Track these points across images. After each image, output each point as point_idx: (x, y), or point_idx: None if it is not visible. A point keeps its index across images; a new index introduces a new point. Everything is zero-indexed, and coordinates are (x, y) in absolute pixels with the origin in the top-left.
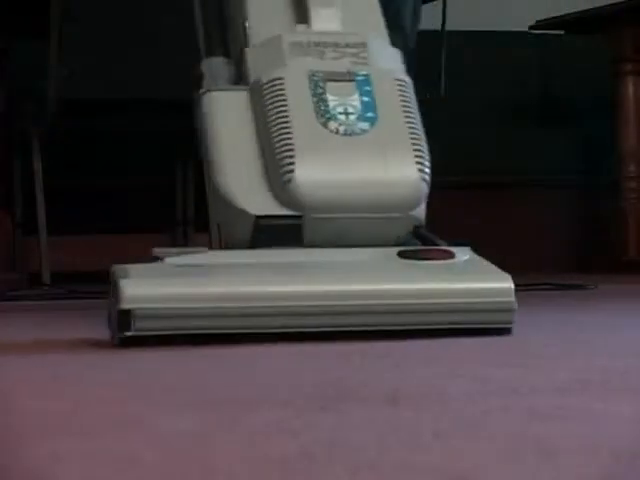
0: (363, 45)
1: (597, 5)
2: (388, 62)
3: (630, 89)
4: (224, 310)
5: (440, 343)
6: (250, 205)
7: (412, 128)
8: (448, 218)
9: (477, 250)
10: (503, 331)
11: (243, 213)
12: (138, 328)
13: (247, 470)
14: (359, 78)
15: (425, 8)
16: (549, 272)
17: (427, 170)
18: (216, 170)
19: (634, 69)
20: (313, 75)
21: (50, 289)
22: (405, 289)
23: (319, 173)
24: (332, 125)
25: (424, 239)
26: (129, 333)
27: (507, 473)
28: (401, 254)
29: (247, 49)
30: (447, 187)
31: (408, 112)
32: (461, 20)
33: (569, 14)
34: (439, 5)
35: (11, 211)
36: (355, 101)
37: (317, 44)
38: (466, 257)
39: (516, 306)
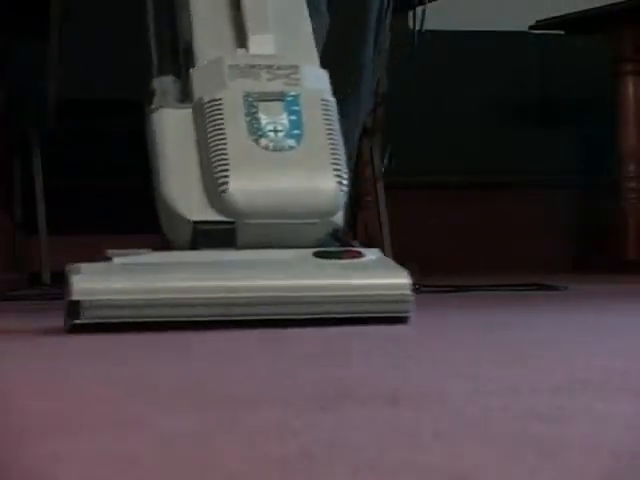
0: (295, 67)
1: (597, 5)
2: (317, 83)
3: (630, 89)
4: (157, 301)
5: (439, 343)
6: (189, 211)
7: (332, 145)
8: (448, 217)
9: (478, 249)
10: (401, 320)
11: (183, 219)
12: (85, 317)
13: (247, 470)
14: (289, 98)
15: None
16: (548, 272)
17: (344, 182)
18: (161, 181)
19: (634, 69)
20: (248, 96)
21: (50, 289)
22: (313, 284)
23: (250, 185)
24: (263, 142)
25: (342, 241)
26: (78, 321)
27: (507, 473)
28: (316, 254)
29: (192, 70)
30: (447, 187)
31: (330, 130)
32: (461, 20)
33: (569, 14)
34: (440, 6)
35: (11, 211)
36: (284, 119)
37: (253, 66)
38: (374, 257)
39: (412, 298)
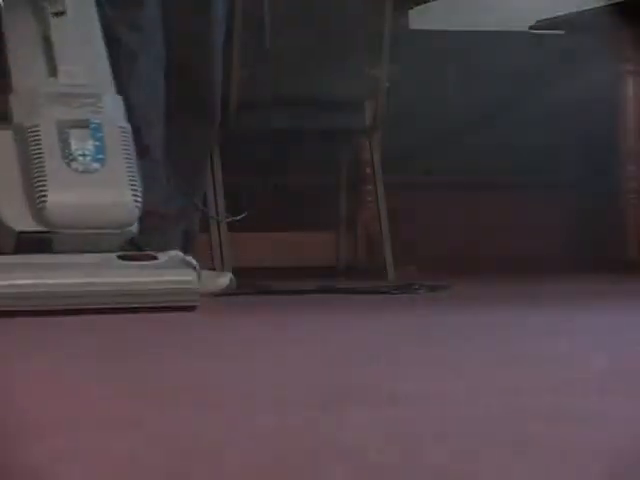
0: (98, 96)
1: (597, 5)
2: (116, 111)
3: (630, 89)
4: None
5: (440, 344)
6: (14, 223)
7: (129, 167)
8: (448, 217)
9: (478, 249)
10: (189, 308)
11: (9, 228)
12: None
13: (247, 470)
14: (93, 126)
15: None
16: (548, 272)
17: (139, 199)
18: None
19: (634, 69)
20: (61, 123)
21: None
22: (111, 281)
23: (63, 201)
24: (74, 165)
25: (137, 247)
26: None
27: (507, 473)
28: (119, 257)
29: (11, 95)
30: (448, 187)
31: (127, 154)
32: (462, 20)
33: (569, 14)
34: (440, 6)
35: None
36: (90, 145)
37: (64, 95)
38: (166, 258)
39: (197, 290)
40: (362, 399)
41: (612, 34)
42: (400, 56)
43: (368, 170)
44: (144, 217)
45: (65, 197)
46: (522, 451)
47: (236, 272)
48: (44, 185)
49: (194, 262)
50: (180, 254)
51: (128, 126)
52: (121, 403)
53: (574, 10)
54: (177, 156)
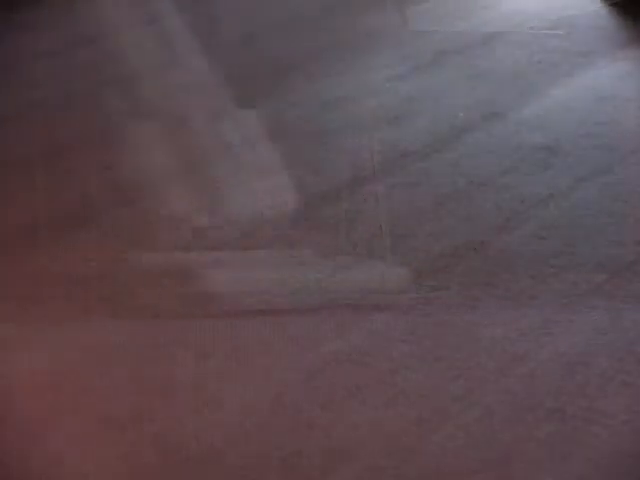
0: None
1: (597, 5)
2: None
3: (630, 89)
4: None
5: (440, 344)
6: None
7: None
8: (448, 217)
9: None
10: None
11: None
12: None
13: (248, 469)
14: None
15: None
16: (548, 271)
17: None
18: None
19: (634, 69)
20: None
21: None
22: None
23: None
24: None
25: None
26: None
27: (511, 473)
28: None
29: None
30: (448, 187)
31: None
32: (463, 20)
33: (569, 14)
34: (440, 6)
35: None
36: None
37: None
38: None
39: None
40: (362, 399)
41: (612, 34)
42: (400, 56)
43: (368, 170)
44: None
45: None
46: (522, 451)
47: None
48: None
49: None
50: None
51: None
52: (121, 402)
53: (574, 10)
54: None
